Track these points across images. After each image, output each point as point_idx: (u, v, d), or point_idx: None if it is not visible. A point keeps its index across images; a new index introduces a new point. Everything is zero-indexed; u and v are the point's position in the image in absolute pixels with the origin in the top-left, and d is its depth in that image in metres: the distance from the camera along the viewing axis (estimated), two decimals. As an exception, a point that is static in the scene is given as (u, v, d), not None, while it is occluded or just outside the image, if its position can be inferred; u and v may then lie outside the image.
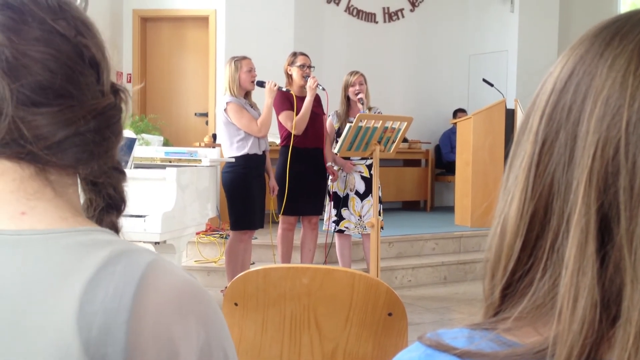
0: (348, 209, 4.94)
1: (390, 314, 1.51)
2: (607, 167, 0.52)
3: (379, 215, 4.90)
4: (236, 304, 1.59)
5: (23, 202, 0.71)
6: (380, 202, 4.97)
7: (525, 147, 0.58)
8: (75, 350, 0.63)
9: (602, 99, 0.53)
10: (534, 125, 0.58)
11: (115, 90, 0.77)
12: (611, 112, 0.53)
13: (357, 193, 4.95)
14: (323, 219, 5.07)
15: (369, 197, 4.87)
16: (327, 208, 5.07)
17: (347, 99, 4.99)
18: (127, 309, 0.64)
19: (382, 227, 4.96)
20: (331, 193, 5.02)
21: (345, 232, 4.98)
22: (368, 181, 4.88)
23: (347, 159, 4.88)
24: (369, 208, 4.88)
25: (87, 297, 0.64)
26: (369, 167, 4.91)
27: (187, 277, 0.70)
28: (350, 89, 4.95)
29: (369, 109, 4.95)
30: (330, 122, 5.02)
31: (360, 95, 4.91)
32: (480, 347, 0.55)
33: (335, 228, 4.97)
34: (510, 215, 0.58)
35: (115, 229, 0.78)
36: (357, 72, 5.00)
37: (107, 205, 0.77)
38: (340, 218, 4.95)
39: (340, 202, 4.95)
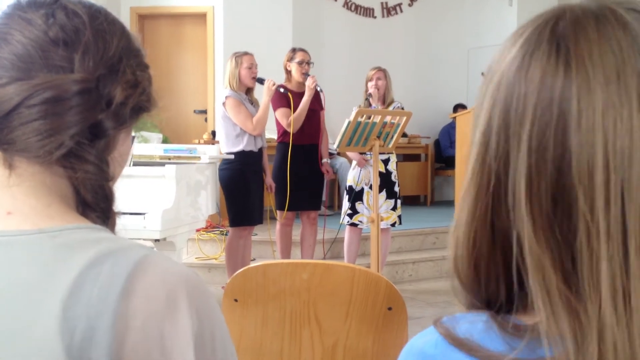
0: (362, 203, 4.94)
1: (390, 309, 1.51)
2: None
3: (396, 209, 4.93)
4: (236, 300, 1.59)
5: (8, 201, 0.69)
6: (398, 196, 4.99)
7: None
8: (58, 356, 0.61)
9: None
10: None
11: (104, 75, 0.74)
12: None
13: (372, 187, 4.95)
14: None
15: (383, 192, 4.88)
16: (343, 201, 5.07)
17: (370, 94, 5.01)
18: (112, 312, 0.62)
19: (398, 223, 4.97)
20: (347, 187, 5.02)
21: (358, 226, 4.98)
22: (383, 176, 4.88)
23: (363, 153, 4.87)
24: (383, 202, 4.89)
25: (70, 301, 0.62)
26: (385, 162, 4.92)
27: (180, 268, 0.69)
28: (369, 84, 4.97)
29: (389, 104, 4.97)
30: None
31: (370, 90, 4.93)
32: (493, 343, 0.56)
33: (348, 221, 4.97)
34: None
35: (106, 225, 0.75)
36: (377, 68, 5.04)
37: (87, 205, 0.74)
38: (354, 212, 4.95)
39: (354, 196, 4.94)
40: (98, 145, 0.73)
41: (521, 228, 0.54)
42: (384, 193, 4.88)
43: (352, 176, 4.98)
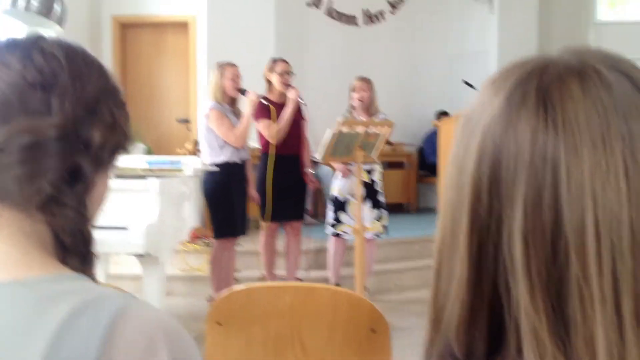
0: (347, 213, 4.94)
1: (373, 331, 1.51)
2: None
3: (380, 219, 4.94)
4: (220, 324, 1.58)
5: None
6: (383, 206, 4.99)
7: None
8: None
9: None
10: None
11: (82, 117, 0.73)
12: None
13: None
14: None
15: (368, 202, 4.89)
16: (327, 212, 5.07)
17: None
18: None
19: (383, 233, 4.98)
20: (332, 197, 5.02)
21: (342, 236, 4.98)
22: (368, 186, 4.89)
23: (347, 163, 4.86)
24: (368, 213, 4.89)
25: (50, 355, 0.62)
26: (369, 172, 4.93)
27: (158, 316, 0.68)
28: (353, 94, 4.96)
29: (372, 115, 4.96)
30: None
31: (354, 102, 4.92)
32: None
33: (332, 232, 4.97)
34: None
35: (85, 273, 0.74)
36: (362, 78, 5.02)
37: (66, 249, 0.73)
38: (338, 222, 4.95)
39: (338, 206, 4.94)
40: (77, 189, 0.72)
41: (516, 291, 0.54)
42: (369, 203, 4.88)
43: (337, 186, 4.99)
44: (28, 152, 0.68)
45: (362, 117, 4.93)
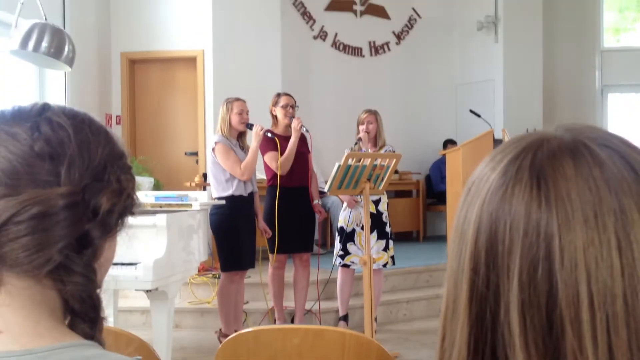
0: (354, 244, 4.94)
1: (381, 373, 1.51)
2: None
3: (388, 249, 4.94)
4: (227, 367, 1.59)
5: None
6: (390, 237, 4.99)
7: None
8: None
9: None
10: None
11: (90, 185, 0.75)
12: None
13: (363, 228, 4.95)
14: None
15: (375, 232, 4.89)
16: (335, 243, 5.08)
17: None
18: None
19: (390, 264, 4.98)
20: (338, 228, 5.03)
21: (350, 267, 4.98)
22: (374, 217, 4.89)
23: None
24: (374, 243, 4.89)
25: None
26: (376, 202, 4.94)
27: None
28: (360, 127, 5.00)
29: (381, 147, 4.99)
30: None
31: (360, 135, 4.96)
32: None
33: (340, 262, 4.97)
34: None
35: (93, 338, 0.75)
36: (368, 111, 5.06)
37: (75, 314, 0.75)
38: (345, 252, 4.95)
39: (345, 237, 4.95)
40: (85, 255, 0.74)
41: None
42: (375, 234, 4.89)
43: (343, 217, 5.00)
44: (38, 222, 0.70)
45: (369, 149, 4.96)
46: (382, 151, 4.94)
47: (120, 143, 0.85)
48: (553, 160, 0.58)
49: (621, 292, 0.53)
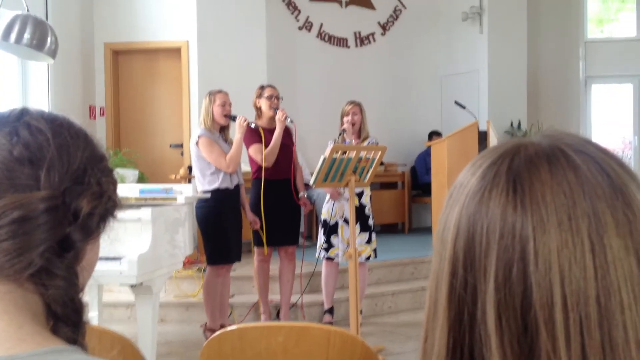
0: (337, 236, 4.95)
1: (366, 370, 1.51)
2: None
3: (371, 242, 4.94)
4: (212, 365, 1.58)
5: None
6: (372, 229, 5.00)
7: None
8: None
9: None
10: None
11: (70, 188, 0.75)
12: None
13: (346, 221, 4.96)
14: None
15: (357, 225, 4.89)
16: (318, 235, 5.08)
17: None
18: None
19: (372, 256, 4.99)
20: (321, 220, 5.03)
21: (334, 260, 4.99)
22: (357, 209, 4.89)
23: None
24: (357, 235, 4.89)
25: None
26: (359, 195, 4.93)
27: None
28: (344, 118, 4.99)
29: (364, 139, 4.99)
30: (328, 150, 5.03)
31: (343, 126, 4.95)
32: None
33: (324, 255, 4.97)
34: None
35: (76, 342, 0.75)
36: (352, 102, 5.06)
37: (58, 319, 0.74)
38: (329, 245, 4.96)
39: (329, 229, 4.95)
40: (67, 259, 0.73)
41: None
42: (357, 226, 4.88)
43: (326, 209, 5.00)
44: (18, 226, 0.70)
45: (353, 141, 4.95)
46: (366, 143, 4.94)
47: (100, 146, 0.84)
48: (529, 165, 0.59)
49: (594, 294, 0.54)
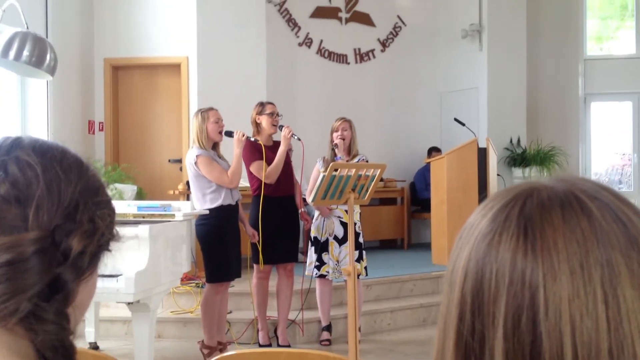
0: (328, 254, 4.93)
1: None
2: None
3: (361, 260, 4.91)
4: (208, 390, 1.56)
5: None
6: (362, 247, 4.97)
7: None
8: None
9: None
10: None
11: (60, 226, 0.72)
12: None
13: (335, 238, 4.95)
14: (305, 262, 5.07)
15: (347, 243, 4.86)
16: (308, 253, 5.06)
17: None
18: None
19: (363, 274, 4.97)
20: (312, 238, 5.01)
21: (327, 277, 4.97)
22: (347, 226, 4.86)
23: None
24: (347, 254, 4.87)
25: None
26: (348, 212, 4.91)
27: None
28: (334, 134, 4.99)
29: (354, 156, 4.98)
30: (317, 167, 5.04)
31: (335, 141, 4.95)
32: None
33: (317, 273, 4.95)
34: None
35: None
36: (342, 118, 5.06)
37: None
38: (321, 263, 4.94)
39: (320, 247, 4.94)
40: (56, 301, 0.71)
41: None
42: (347, 244, 4.86)
43: (315, 227, 4.99)
44: (7, 270, 0.67)
45: (344, 157, 4.94)
46: (355, 160, 4.94)
47: (96, 176, 0.81)
48: (542, 209, 0.57)
49: (606, 346, 0.52)
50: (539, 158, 8.80)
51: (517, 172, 8.86)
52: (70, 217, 0.73)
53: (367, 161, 4.93)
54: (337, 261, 4.94)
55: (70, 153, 0.80)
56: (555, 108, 9.56)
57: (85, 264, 0.74)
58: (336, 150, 4.95)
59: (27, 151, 0.75)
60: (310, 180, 5.04)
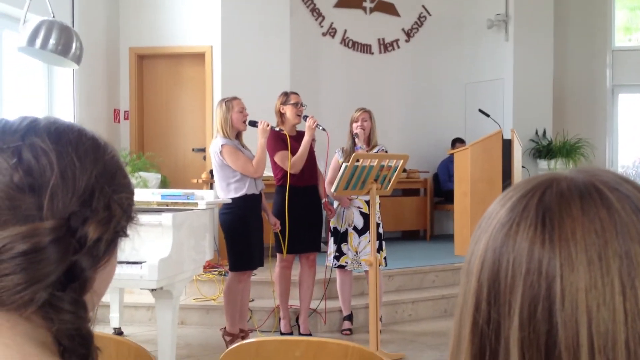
0: (347, 244, 4.94)
1: (384, 387, 1.49)
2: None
3: (381, 250, 4.91)
4: (229, 377, 1.58)
5: None
6: (382, 238, 4.96)
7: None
8: None
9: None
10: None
11: (75, 213, 0.71)
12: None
13: (355, 229, 4.95)
14: (327, 252, 5.09)
15: (367, 234, 4.86)
16: (329, 243, 5.07)
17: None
18: None
19: (383, 265, 4.97)
20: (331, 228, 5.02)
21: (346, 268, 4.98)
22: (367, 217, 4.86)
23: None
24: (366, 244, 4.87)
25: None
26: (369, 202, 4.91)
27: None
28: (354, 125, 4.98)
29: (373, 146, 4.96)
30: (336, 158, 5.04)
31: (356, 131, 4.94)
32: None
33: (335, 263, 4.96)
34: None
35: None
36: (362, 109, 5.04)
37: (66, 350, 0.71)
38: (340, 253, 4.95)
39: (340, 237, 4.95)
40: (73, 289, 0.70)
41: None
42: (367, 234, 4.86)
43: (335, 217, 4.99)
44: (24, 260, 0.66)
45: (364, 148, 4.92)
46: (375, 151, 4.92)
47: (114, 158, 0.79)
48: (561, 200, 0.57)
49: (623, 338, 0.52)
50: (564, 150, 8.70)
51: (543, 164, 8.77)
52: (86, 204, 0.72)
53: (386, 152, 4.92)
54: (356, 252, 4.94)
55: (87, 136, 0.78)
56: (582, 99, 9.43)
57: (102, 251, 0.73)
58: (356, 140, 4.94)
59: (42, 137, 0.73)
60: (329, 170, 5.04)
